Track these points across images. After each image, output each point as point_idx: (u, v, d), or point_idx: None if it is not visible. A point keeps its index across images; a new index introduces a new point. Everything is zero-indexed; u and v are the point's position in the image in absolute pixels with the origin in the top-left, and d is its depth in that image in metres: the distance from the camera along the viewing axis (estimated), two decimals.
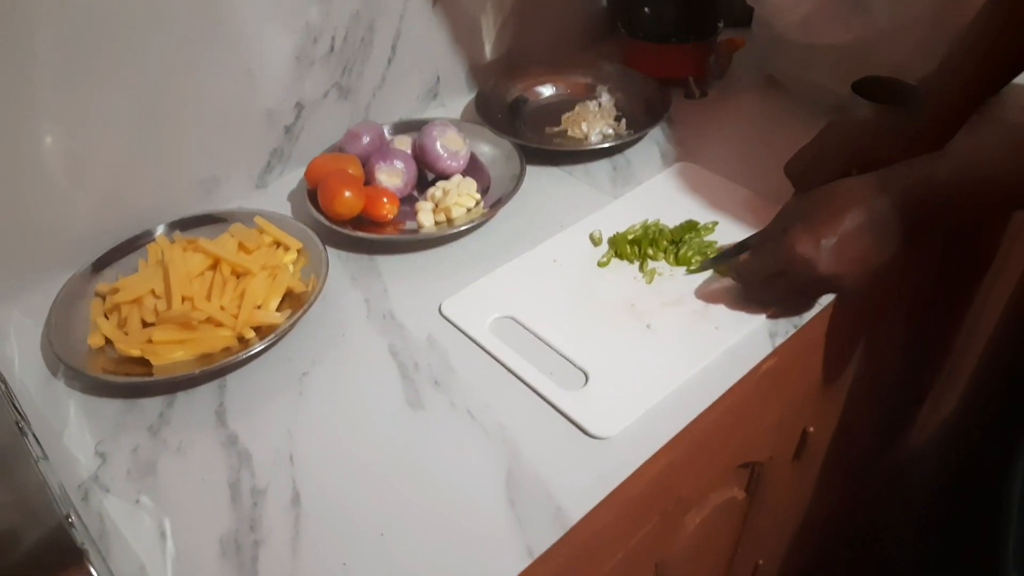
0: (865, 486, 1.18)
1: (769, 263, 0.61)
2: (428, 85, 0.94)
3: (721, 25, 0.95)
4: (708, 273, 0.68)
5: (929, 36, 0.80)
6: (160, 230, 0.73)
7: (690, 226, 0.73)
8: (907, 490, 1.34)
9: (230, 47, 0.74)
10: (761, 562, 0.95)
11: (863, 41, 0.82)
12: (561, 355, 0.62)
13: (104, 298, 0.67)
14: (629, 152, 0.86)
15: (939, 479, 1.35)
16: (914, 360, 1.08)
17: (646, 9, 0.92)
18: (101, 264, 0.69)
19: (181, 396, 0.60)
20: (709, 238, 0.72)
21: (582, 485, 0.52)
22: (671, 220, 0.74)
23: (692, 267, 0.69)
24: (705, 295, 0.66)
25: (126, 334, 0.63)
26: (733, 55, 0.97)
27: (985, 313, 1.20)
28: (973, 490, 1.13)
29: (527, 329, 0.64)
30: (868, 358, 0.85)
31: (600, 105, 0.91)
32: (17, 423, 0.52)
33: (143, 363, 0.61)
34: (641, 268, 0.70)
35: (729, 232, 0.73)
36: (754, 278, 0.63)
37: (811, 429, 0.78)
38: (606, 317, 0.65)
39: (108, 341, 0.63)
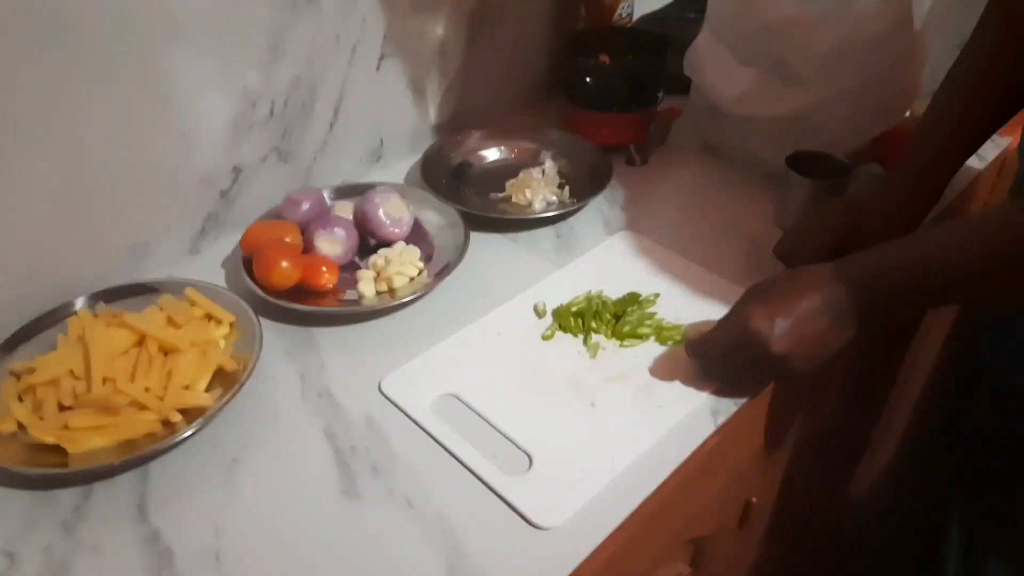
0: (808, 542, 1.19)
1: (724, 338, 0.61)
2: (371, 148, 0.93)
3: (661, 95, 0.97)
4: (651, 347, 0.68)
5: (858, 109, 0.84)
6: (82, 302, 0.69)
7: (632, 298, 0.73)
8: (848, 540, 1.36)
9: (163, 111, 0.72)
10: None
11: (796, 114, 0.85)
12: (505, 436, 0.60)
13: (19, 378, 0.62)
14: (572, 220, 0.87)
15: (879, 527, 1.38)
16: (852, 413, 1.10)
17: (587, 79, 0.93)
18: (16, 340, 0.65)
19: (99, 487, 0.56)
20: (650, 310, 0.72)
21: None
22: (614, 290, 0.74)
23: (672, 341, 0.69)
24: (649, 370, 0.66)
25: (41, 419, 0.58)
26: (672, 123, 0.99)
27: (918, 365, 1.24)
28: (911, 541, 1.16)
29: (470, 408, 0.63)
30: (808, 423, 0.86)
31: (544, 172, 0.91)
32: None
33: (59, 451, 0.57)
34: (585, 342, 0.69)
35: (670, 304, 0.73)
36: (709, 353, 0.63)
37: (754, 500, 0.78)
38: (550, 394, 0.64)
39: (21, 426, 0.59)
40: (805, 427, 0.87)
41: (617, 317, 0.71)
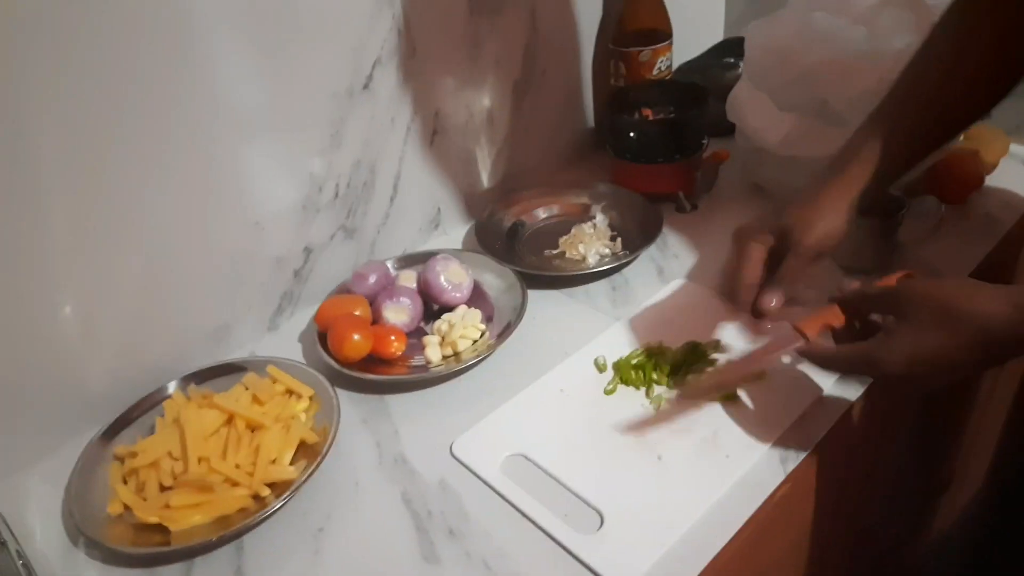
0: None
1: (876, 299, 0.60)
2: (430, 216, 0.98)
3: (706, 142, 0.99)
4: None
5: None
6: (174, 385, 0.75)
7: (692, 347, 0.74)
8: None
9: (238, 202, 0.78)
10: None
11: None
12: (575, 494, 0.62)
13: (123, 460, 0.68)
14: (627, 271, 0.89)
15: (962, 567, 1.32)
16: (928, 449, 1.07)
17: (632, 134, 0.96)
18: (119, 426, 0.71)
19: (199, 562, 0.60)
20: (711, 358, 0.73)
21: None
22: (673, 340, 0.75)
23: None
24: (714, 421, 0.67)
25: (144, 499, 0.63)
26: (719, 167, 1.01)
27: (996, 396, 1.19)
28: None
29: (539, 467, 0.65)
30: (881, 462, 0.84)
31: (595, 226, 0.94)
32: None
33: (162, 529, 0.61)
34: (647, 395, 0.71)
35: (731, 352, 0.74)
36: (857, 297, 0.61)
37: (827, 545, 0.77)
38: (617, 449, 0.66)
39: (126, 507, 0.64)
40: (878, 467, 0.85)
41: (678, 368, 0.72)
